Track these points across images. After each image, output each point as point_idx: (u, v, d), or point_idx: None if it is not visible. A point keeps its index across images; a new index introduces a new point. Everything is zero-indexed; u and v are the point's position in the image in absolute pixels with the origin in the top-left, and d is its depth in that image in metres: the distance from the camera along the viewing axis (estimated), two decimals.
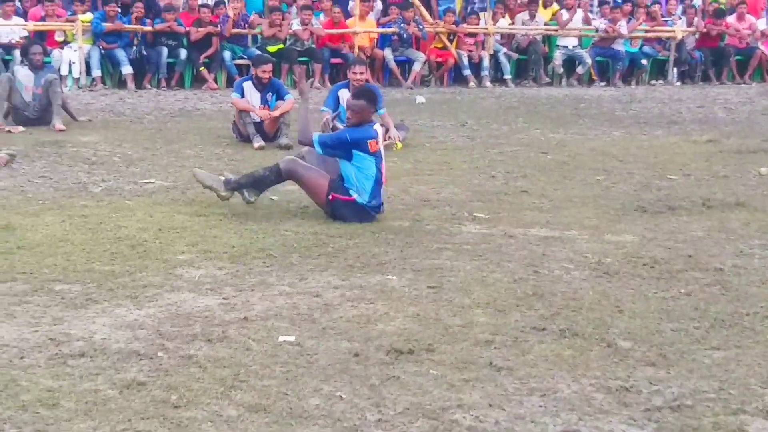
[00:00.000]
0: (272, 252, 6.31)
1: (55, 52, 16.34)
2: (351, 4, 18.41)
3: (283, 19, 17.43)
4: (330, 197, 7.25)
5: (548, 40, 19.61)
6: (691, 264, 6.20)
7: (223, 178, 7.60)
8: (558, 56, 19.02)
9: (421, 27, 18.19)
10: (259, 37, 17.46)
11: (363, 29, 18.02)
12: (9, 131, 11.44)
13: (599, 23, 19.22)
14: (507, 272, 5.94)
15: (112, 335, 4.71)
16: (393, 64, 18.14)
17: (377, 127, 7.51)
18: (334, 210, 7.28)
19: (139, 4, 16.95)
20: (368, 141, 7.24)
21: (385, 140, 10.67)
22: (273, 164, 7.55)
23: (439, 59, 18.63)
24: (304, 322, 4.96)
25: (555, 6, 19.61)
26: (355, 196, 7.25)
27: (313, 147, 7.35)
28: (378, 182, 7.30)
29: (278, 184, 7.63)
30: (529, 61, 19.10)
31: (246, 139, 10.97)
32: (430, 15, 18.96)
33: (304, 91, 7.75)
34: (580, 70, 19.05)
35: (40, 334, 4.70)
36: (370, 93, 7.74)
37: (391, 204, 7.84)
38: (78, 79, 16.50)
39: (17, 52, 15.08)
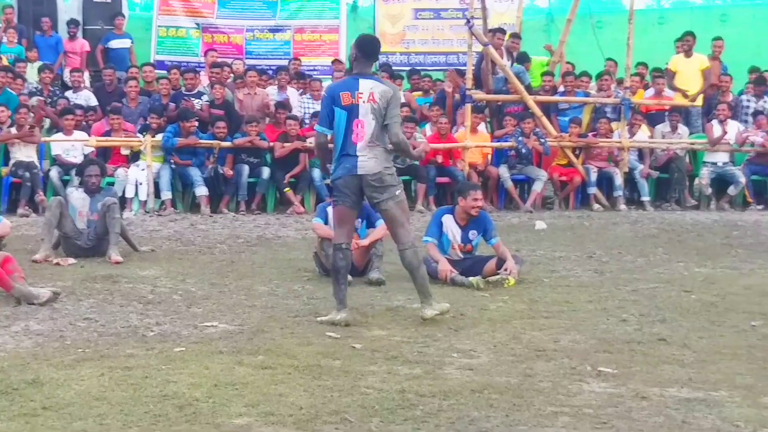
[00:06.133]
0: (348, 416, 6.02)
1: (120, 171, 16.57)
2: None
3: None
4: None
5: (694, 155, 19.27)
6: None
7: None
8: (705, 174, 18.59)
9: (542, 140, 18.00)
10: None
11: (474, 143, 17.87)
12: (58, 263, 11.43)
13: (757, 137, 18.75)
14: None
15: None
16: (509, 184, 17.94)
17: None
18: None
19: (221, 124, 17.13)
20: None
21: (496, 274, 10.60)
22: None
23: (564, 178, 18.38)
24: None
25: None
26: None
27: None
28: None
29: None
30: (670, 180, 18.74)
31: (330, 273, 10.72)
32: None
33: None
34: (732, 190, 18.55)
35: None
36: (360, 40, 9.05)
37: (498, 355, 7.57)
38: (145, 202, 16.63)
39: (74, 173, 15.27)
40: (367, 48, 8.89)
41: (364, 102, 8.55)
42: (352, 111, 8.56)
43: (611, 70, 19.72)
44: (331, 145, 8.85)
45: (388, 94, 8.63)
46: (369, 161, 8.59)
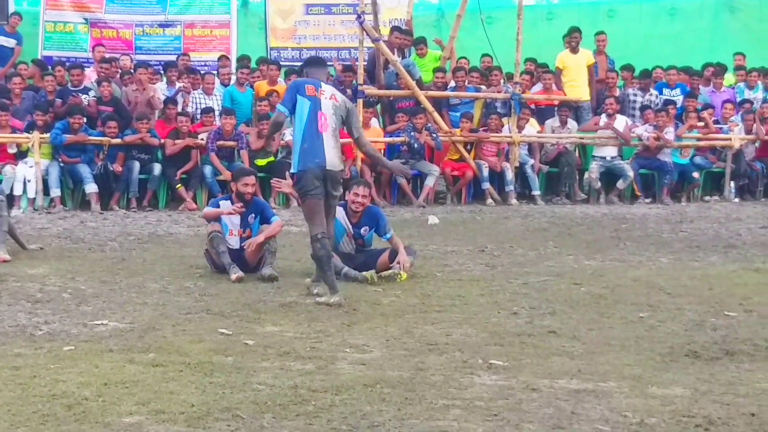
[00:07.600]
0: (240, 412, 5.97)
1: (7, 168, 16.31)
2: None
3: None
4: None
5: (583, 149, 19.51)
6: (754, 425, 5.84)
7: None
8: (594, 168, 18.86)
9: (434, 135, 18.07)
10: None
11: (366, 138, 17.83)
12: None
13: (642, 130, 19.04)
14: None
15: None
16: (402, 179, 17.95)
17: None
18: None
19: (112, 123, 16.90)
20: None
21: (389, 268, 10.61)
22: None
23: (456, 173, 18.49)
24: None
25: None
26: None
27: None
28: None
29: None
30: (560, 175, 19.00)
31: (222, 270, 10.69)
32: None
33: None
34: (620, 184, 18.85)
35: None
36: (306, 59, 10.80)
37: (391, 349, 7.58)
38: (34, 199, 16.38)
39: None
40: (313, 61, 10.42)
41: (326, 98, 9.58)
42: (316, 103, 9.50)
43: (489, 65, 19.91)
44: (288, 139, 9.67)
45: (348, 103, 9.93)
46: (335, 159, 9.57)
